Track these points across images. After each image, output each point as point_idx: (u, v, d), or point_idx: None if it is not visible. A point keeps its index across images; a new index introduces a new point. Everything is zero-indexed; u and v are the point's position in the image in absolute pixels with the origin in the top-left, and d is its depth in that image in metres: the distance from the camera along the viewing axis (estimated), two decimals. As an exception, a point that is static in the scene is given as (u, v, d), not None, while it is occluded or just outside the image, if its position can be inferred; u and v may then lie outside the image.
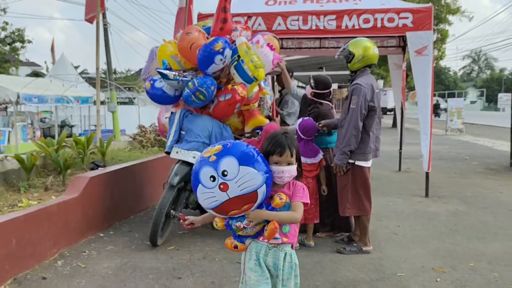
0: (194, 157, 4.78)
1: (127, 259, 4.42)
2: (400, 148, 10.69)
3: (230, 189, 2.16)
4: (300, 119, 5.08)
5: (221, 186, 2.15)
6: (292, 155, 2.36)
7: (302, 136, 4.92)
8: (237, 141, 2.27)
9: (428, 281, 3.96)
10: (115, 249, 4.70)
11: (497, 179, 9.32)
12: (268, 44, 5.17)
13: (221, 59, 4.72)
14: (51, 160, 5.43)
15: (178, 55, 4.96)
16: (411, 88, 29.90)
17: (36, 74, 42.14)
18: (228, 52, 4.79)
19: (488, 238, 5.23)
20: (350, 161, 4.55)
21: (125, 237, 5.11)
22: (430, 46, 7.22)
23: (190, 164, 4.79)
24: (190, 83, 4.72)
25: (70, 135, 21.20)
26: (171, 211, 4.86)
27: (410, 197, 7.53)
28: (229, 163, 2.15)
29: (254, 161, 2.19)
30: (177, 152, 4.91)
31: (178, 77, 4.73)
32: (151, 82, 4.97)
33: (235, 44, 4.94)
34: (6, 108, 21.09)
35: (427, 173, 7.62)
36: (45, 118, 22.90)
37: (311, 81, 5.18)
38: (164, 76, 4.73)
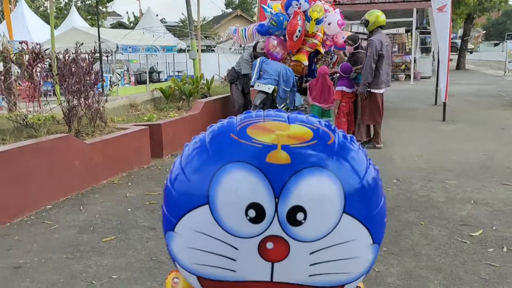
0: (269, 88, 7.60)
1: (230, 149, 7.43)
2: (437, 86, 12.92)
3: (287, 262, 0.87)
4: (341, 64, 7.75)
5: (270, 246, 0.87)
6: None
7: (343, 75, 7.59)
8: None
9: (409, 159, 6.65)
10: (221, 145, 7.73)
11: (514, 111, 11.44)
12: (340, 14, 7.98)
13: (297, 4, 7.46)
14: (179, 91, 8.49)
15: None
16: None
17: (120, 25, 46.14)
18: (303, 2, 7.55)
19: (467, 142, 7.73)
20: (368, 89, 7.19)
21: (226, 139, 8.14)
22: (449, 4, 9.47)
23: (266, 93, 7.63)
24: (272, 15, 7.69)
25: (158, 80, 24.58)
26: (255, 123, 7.76)
27: (430, 121, 9.98)
28: (322, 192, 0.86)
29: (375, 203, 0.92)
30: (258, 85, 7.73)
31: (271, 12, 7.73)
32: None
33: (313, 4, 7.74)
34: (107, 56, 24.80)
35: (444, 103, 10.02)
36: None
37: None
38: (264, 9, 7.73)
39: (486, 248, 3.67)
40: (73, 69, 5.42)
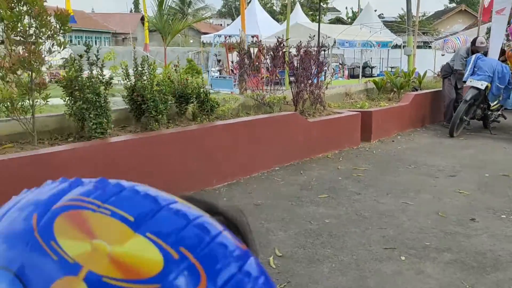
0: (481, 84, 7.72)
1: (435, 140, 7.82)
2: None
3: None
4: None
5: None
6: None
7: None
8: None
9: None
10: (427, 136, 8.15)
11: None
12: None
13: None
14: (391, 84, 9.14)
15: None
16: None
17: (338, 20, 47.84)
18: None
19: None
20: None
21: (433, 131, 8.51)
22: (508, 8, 8.67)
23: (478, 89, 7.77)
24: None
25: (370, 75, 25.07)
26: (464, 117, 7.96)
27: None
28: None
29: None
30: (470, 81, 7.90)
31: None
32: None
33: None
34: (324, 51, 26.22)
35: None
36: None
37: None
38: None
39: None
40: (303, 60, 6.55)
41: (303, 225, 4.11)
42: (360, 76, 22.79)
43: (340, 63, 25.09)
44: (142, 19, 31.64)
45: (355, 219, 4.26)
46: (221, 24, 48.48)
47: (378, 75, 22.97)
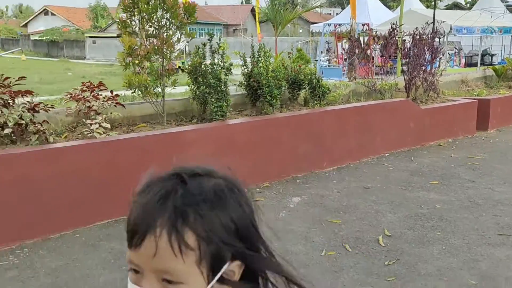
0: None
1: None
2: None
3: None
4: None
5: None
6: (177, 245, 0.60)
7: None
8: None
9: None
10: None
11: None
12: None
13: None
14: (513, 71, 8.72)
15: None
16: None
17: (455, 5, 45.19)
18: None
19: None
20: None
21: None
22: None
23: None
24: None
25: (490, 63, 23.44)
26: None
27: None
28: None
29: None
30: None
31: None
32: None
33: None
34: (439, 38, 25.01)
35: None
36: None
37: None
38: None
39: None
40: (417, 46, 6.47)
41: (413, 208, 4.16)
42: (479, 65, 21.45)
43: (456, 49, 23.77)
44: (252, 10, 32.39)
45: (467, 205, 4.22)
46: (330, 13, 47.96)
47: (498, 64, 21.53)
